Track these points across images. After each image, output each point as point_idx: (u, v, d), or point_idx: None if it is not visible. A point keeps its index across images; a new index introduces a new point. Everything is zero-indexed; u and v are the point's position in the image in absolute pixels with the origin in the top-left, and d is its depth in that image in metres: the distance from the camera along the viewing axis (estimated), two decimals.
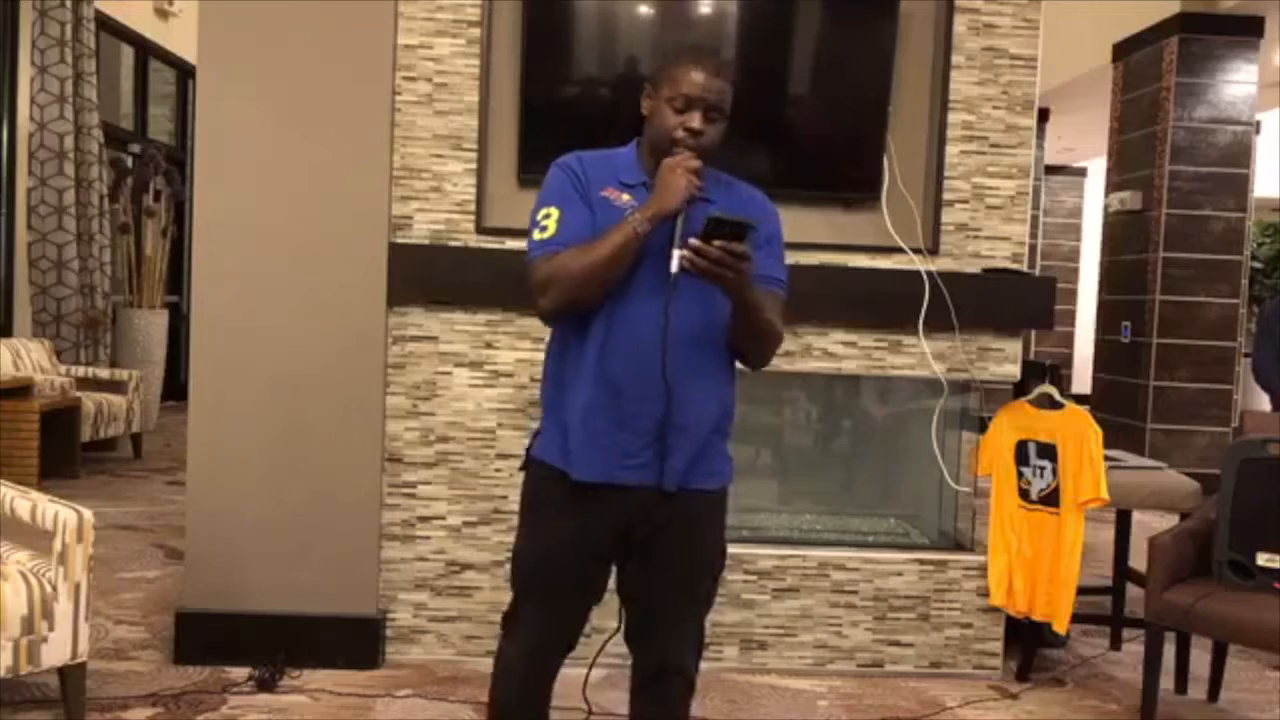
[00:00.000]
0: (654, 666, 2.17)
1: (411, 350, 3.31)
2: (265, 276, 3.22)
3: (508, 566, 3.35)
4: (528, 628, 2.13)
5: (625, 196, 2.03)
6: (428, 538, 3.34)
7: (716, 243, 1.84)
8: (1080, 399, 4.49)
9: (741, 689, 3.24)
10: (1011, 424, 3.37)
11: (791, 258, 3.30)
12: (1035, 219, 8.53)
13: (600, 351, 2.00)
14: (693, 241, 1.85)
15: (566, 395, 2.05)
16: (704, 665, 3.35)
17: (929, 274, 3.27)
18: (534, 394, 3.32)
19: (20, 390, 5.55)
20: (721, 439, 2.13)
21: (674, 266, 1.89)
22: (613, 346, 1.99)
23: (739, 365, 2.14)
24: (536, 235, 2.02)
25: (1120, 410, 6.95)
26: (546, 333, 3.33)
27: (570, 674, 3.32)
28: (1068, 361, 11.25)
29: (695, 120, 1.99)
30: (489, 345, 3.32)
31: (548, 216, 2.02)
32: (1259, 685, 3.52)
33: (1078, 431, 3.24)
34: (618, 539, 2.07)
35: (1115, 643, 3.78)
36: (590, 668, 2.37)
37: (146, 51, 8.44)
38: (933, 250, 3.38)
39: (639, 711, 2.22)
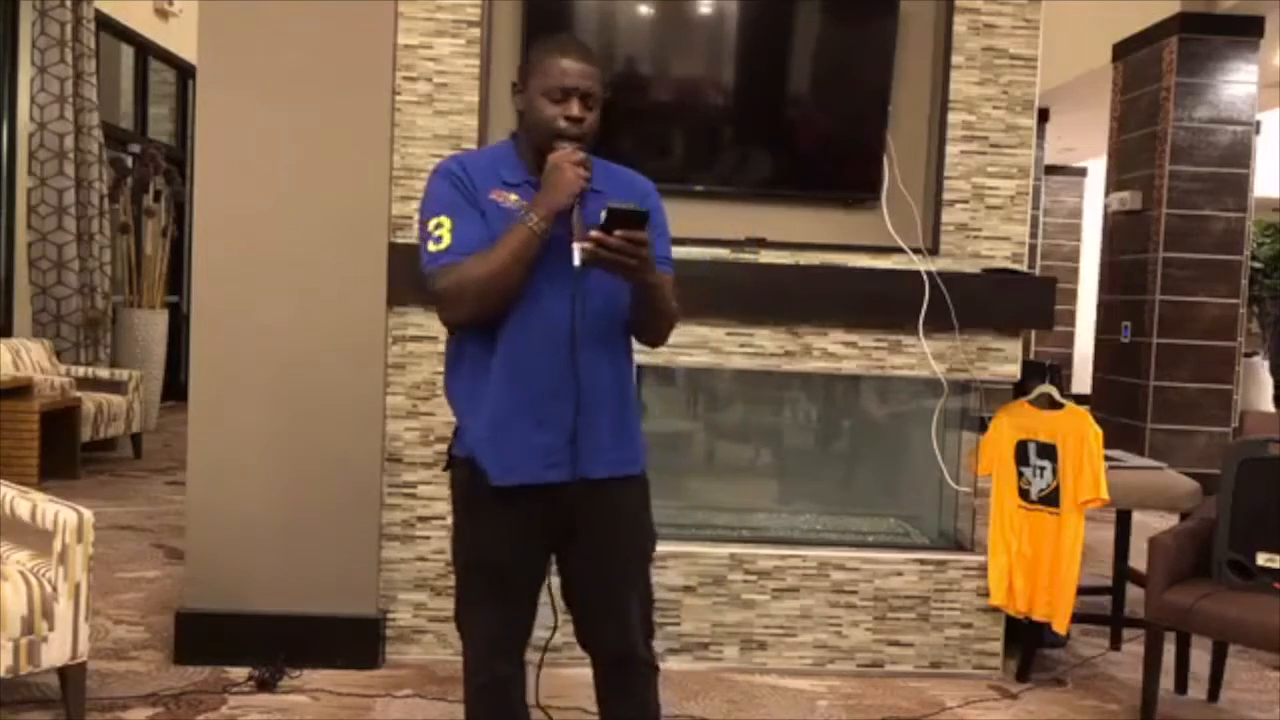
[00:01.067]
0: (611, 659, 2.18)
1: (411, 350, 3.31)
2: (265, 276, 3.22)
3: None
4: (483, 630, 2.12)
5: (512, 197, 2.01)
6: (428, 538, 3.34)
7: (617, 232, 1.83)
8: (1080, 399, 4.49)
9: (741, 689, 3.24)
10: (1011, 424, 3.37)
11: (792, 258, 3.34)
12: (1035, 219, 8.52)
13: (510, 352, 1.98)
14: (594, 234, 1.83)
15: (481, 397, 2.01)
16: (704, 665, 3.37)
17: (929, 274, 3.27)
18: None
19: (20, 390, 5.55)
20: (635, 423, 2.14)
21: (576, 260, 1.89)
22: (522, 346, 1.98)
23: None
24: (431, 247, 1.98)
25: (1120, 410, 6.95)
26: None
27: (571, 674, 3.33)
28: (1068, 361, 11.25)
29: (574, 108, 1.99)
30: None
31: (439, 226, 1.98)
32: (1259, 685, 3.52)
33: (1078, 431, 3.24)
34: (550, 536, 2.06)
35: (1115, 643, 3.78)
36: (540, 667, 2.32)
37: (146, 51, 8.45)
38: (933, 250, 3.38)
39: (609, 709, 2.22)
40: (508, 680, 2.16)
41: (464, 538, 2.12)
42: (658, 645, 3.39)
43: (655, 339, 2.14)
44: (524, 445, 1.99)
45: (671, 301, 2.06)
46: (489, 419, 2.00)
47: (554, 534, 2.06)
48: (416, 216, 2.09)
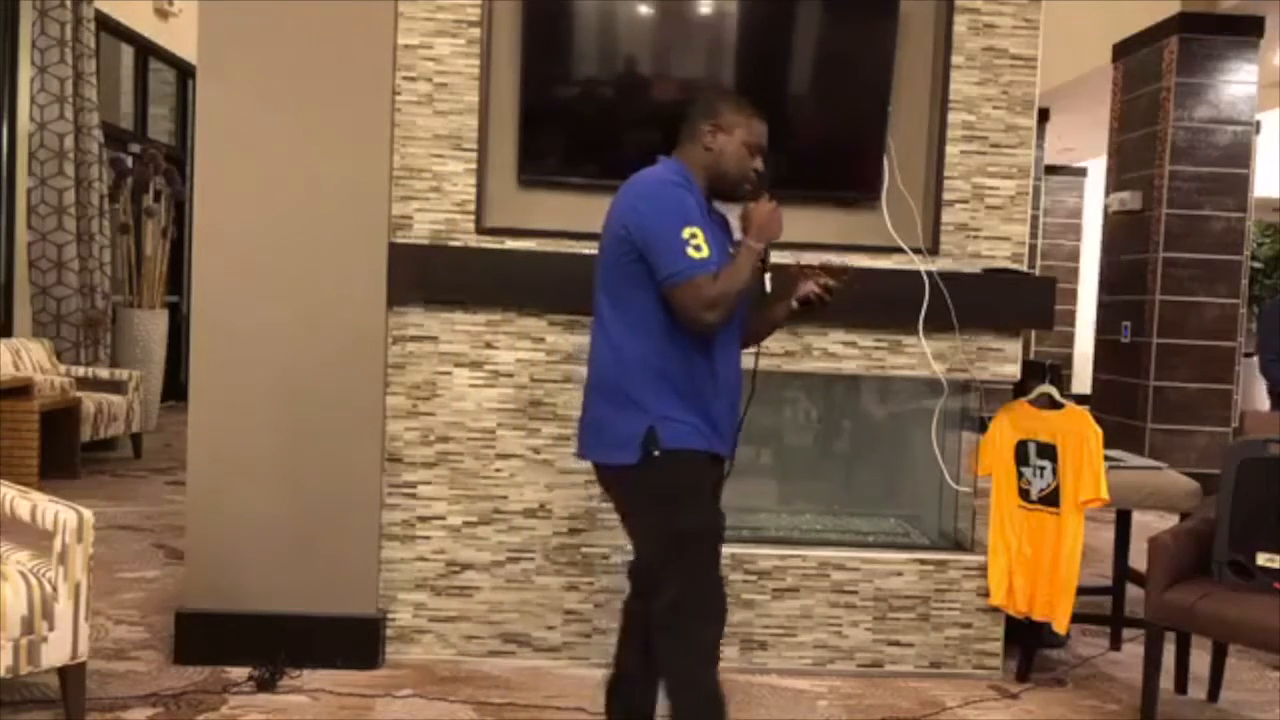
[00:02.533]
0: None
1: (411, 350, 3.31)
2: (265, 276, 3.22)
3: (509, 566, 3.37)
4: (719, 598, 2.38)
5: (707, 216, 2.38)
6: (428, 538, 3.34)
7: (832, 283, 2.47)
8: (1080, 399, 4.49)
9: (741, 689, 3.24)
10: (1011, 424, 3.37)
11: (792, 257, 3.33)
12: (1035, 219, 8.52)
13: (723, 356, 2.38)
14: (832, 284, 2.48)
15: (705, 395, 2.34)
16: None
17: (929, 274, 3.27)
18: (534, 394, 3.33)
19: (20, 390, 5.55)
20: None
21: (768, 288, 2.38)
22: (730, 352, 2.41)
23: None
24: (693, 254, 2.23)
25: (1120, 410, 6.95)
26: (547, 333, 3.37)
27: (574, 674, 3.33)
28: (1068, 361, 11.26)
29: (760, 164, 2.43)
30: (489, 345, 3.32)
31: (695, 236, 2.24)
32: (1259, 685, 3.52)
33: (1078, 431, 3.24)
34: None
35: (1115, 643, 3.78)
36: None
37: (146, 51, 8.44)
38: (933, 250, 3.38)
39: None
40: None
41: (694, 513, 2.34)
42: None
43: (753, 343, 2.60)
44: (725, 430, 2.39)
45: None
46: (707, 411, 2.34)
47: None
48: (645, 219, 2.29)
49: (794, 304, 2.51)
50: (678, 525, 2.32)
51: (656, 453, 2.28)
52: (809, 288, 2.48)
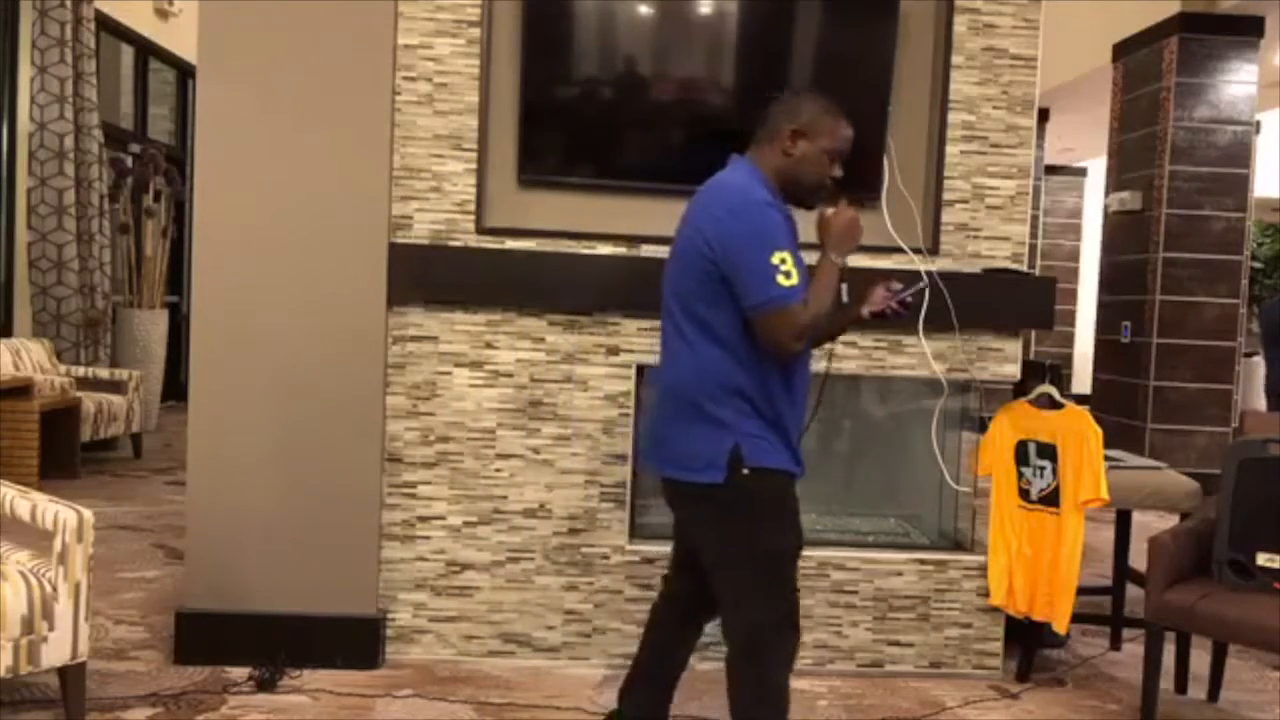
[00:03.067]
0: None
1: (411, 350, 3.31)
2: (265, 276, 3.22)
3: (509, 566, 3.37)
4: (798, 609, 2.40)
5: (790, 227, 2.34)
6: (428, 538, 3.34)
7: (909, 298, 2.55)
8: (1080, 399, 4.49)
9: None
10: (1011, 424, 3.37)
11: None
12: (1035, 219, 8.52)
13: (801, 372, 2.36)
14: (908, 299, 2.56)
15: (781, 412, 2.32)
16: (704, 665, 3.37)
17: (929, 274, 3.27)
18: (534, 393, 3.33)
19: (20, 390, 5.55)
20: None
21: (845, 297, 2.40)
22: (803, 371, 2.38)
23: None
24: (783, 281, 2.17)
25: (1120, 410, 6.95)
26: (547, 333, 3.37)
27: (574, 674, 3.33)
28: (1068, 361, 11.25)
29: (839, 172, 2.38)
30: (489, 345, 3.32)
31: (784, 262, 2.18)
32: (1259, 685, 3.52)
33: (1078, 431, 3.23)
34: None
35: (1115, 643, 3.78)
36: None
37: (146, 51, 8.44)
38: (933, 250, 3.38)
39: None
40: None
41: (781, 532, 2.37)
42: None
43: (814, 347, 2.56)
44: (797, 446, 2.38)
45: None
46: (784, 429, 2.33)
47: None
48: (730, 240, 2.23)
49: (865, 314, 2.53)
50: (766, 545, 2.31)
51: (745, 471, 2.25)
52: (887, 303, 2.52)
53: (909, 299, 2.56)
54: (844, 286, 2.39)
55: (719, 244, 2.21)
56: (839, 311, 2.46)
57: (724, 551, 2.34)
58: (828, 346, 2.77)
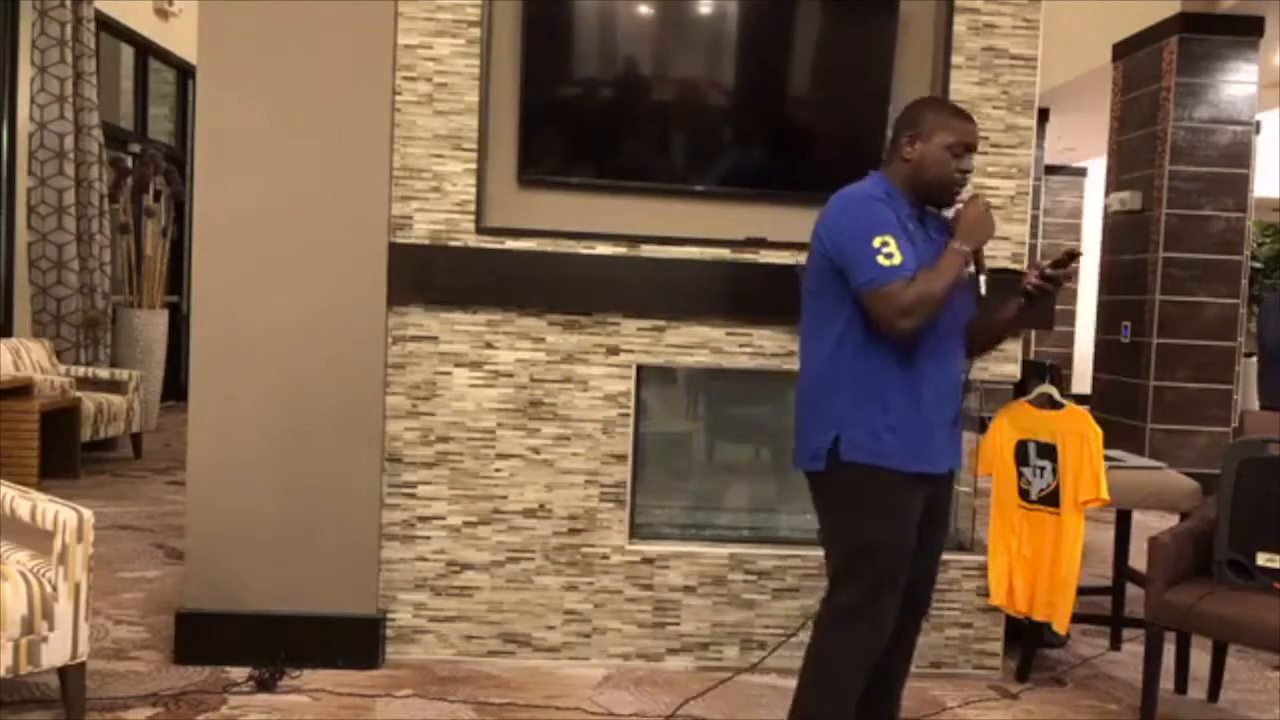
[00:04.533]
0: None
1: (411, 350, 3.31)
2: (265, 276, 3.22)
3: (509, 566, 3.38)
4: (883, 610, 2.41)
5: (911, 226, 2.37)
6: (428, 538, 3.34)
7: (1042, 276, 2.43)
8: (1080, 399, 4.48)
9: (741, 689, 3.24)
10: (1011, 424, 3.37)
11: (792, 257, 3.33)
12: (1035, 219, 8.53)
13: (931, 369, 2.37)
14: (1055, 273, 2.45)
15: (903, 408, 2.35)
16: (704, 665, 3.37)
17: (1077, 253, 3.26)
18: (534, 393, 3.33)
19: (20, 390, 5.55)
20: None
21: (983, 289, 2.35)
22: (937, 365, 2.40)
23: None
24: (884, 262, 2.26)
25: (1120, 410, 6.95)
26: (547, 333, 3.37)
27: (574, 674, 3.33)
28: (1068, 361, 11.25)
29: (969, 164, 2.40)
30: (489, 345, 3.32)
31: (886, 244, 2.27)
32: (1259, 685, 3.52)
33: (1078, 431, 3.23)
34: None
35: (1115, 643, 3.78)
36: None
37: (146, 51, 8.44)
38: None
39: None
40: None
41: (873, 526, 2.40)
42: (658, 644, 3.40)
43: (979, 353, 2.66)
44: (936, 444, 2.40)
45: None
46: (908, 424, 2.35)
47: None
48: (837, 233, 2.36)
49: (1021, 299, 2.51)
50: (855, 537, 2.40)
51: (844, 462, 2.35)
52: (1031, 279, 2.48)
53: (1049, 271, 2.48)
54: (982, 279, 2.37)
55: (829, 238, 2.36)
56: (996, 310, 2.52)
57: (825, 536, 2.50)
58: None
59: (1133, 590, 3.62)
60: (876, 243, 2.27)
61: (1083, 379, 9.60)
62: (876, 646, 2.41)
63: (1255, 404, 7.54)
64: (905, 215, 2.38)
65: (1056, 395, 3.37)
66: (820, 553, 3.39)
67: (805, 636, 3.37)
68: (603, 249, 3.29)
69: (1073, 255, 2.45)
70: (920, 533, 2.44)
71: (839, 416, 2.36)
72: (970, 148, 2.41)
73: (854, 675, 2.41)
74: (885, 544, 2.38)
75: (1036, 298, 2.49)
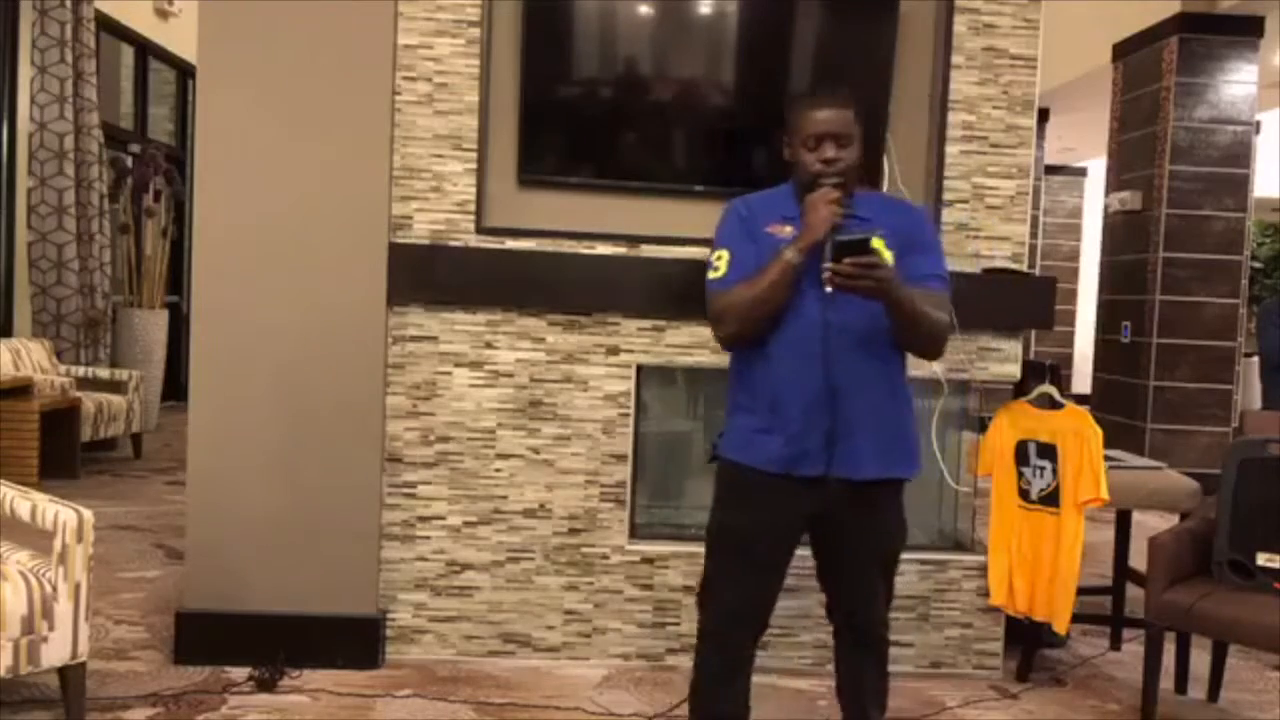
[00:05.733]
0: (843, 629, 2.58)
1: (411, 350, 3.31)
2: (265, 276, 3.22)
3: (509, 566, 3.38)
4: (723, 600, 2.48)
5: (788, 229, 2.30)
6: (428, 538, 3.34)
7: (846, 260, 2.11)
8: (1080, 399, 4.49)
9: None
10: (1011, 424, 3.37)
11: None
12: (1035, 219, 8.52)
13: (775, 365, 2.30)
14: (826, 265, 2.14)
15: (764, 407, 2.33)
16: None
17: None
18: (534, 393, 3.33)
19: (20, 390, 5.55)
20: (905, 428, 2.41)
21: (827, 287, 2.16)
22: (784, 360, 2.29)
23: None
24: (710, 274, 2.36)
25: (1120, 410, 6.95)
26: (547, 333, 3.38)
27: (574, 674, 3.33)
28: (1068, 361, 11.25)
29: (828, 152, 2.30)
30: (489, 345, 3.32)
31: (719, 258, 2.35)
32: (1259, 685, 3.52)
33: (1078, 431, 3.23)
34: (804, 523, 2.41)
35: (1115, 643, 3.78)
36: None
37: (146, 51, 8.44)
38: None
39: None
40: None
41: (720, 514, 2.45)
42: (658, 644, 3.40)
43: (918, 351, 2.41)
44: (804, 445, 2.28)
45: (929, 313, 2.27)
46: (770, 424, 2.31)
47: (804, 522, 2.40)
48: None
49: (827, 290, 2.19)
50: (709, 524, 2.47)
51: (718, 455, 2.43)
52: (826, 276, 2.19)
53: (835, 267, 2.13)
54: (827, 275, 2.13)
55: None
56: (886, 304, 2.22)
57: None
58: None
59: (1133, 590, 3.62)
60: (714, 256, 2.37)
61: (1083, 379, 9.60)
62: (711, 627, 2.45)
63: (1255, 404, 7.55)
64: (790, 214, 2.31)
65: (1056, 395, 3.37)
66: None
67: (805, 636, 3.39)
68: (603, 249, 3.29)
69: (864, 244, 2.13)
70: (833, 544, 2.43)
71: (729, 417, 2.45)
72: (822, 137, 2.28)
73: (703, 657, 2.47)
74: (727, 529, 2.42)
75: (852, 289, 2.15)
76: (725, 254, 2.35)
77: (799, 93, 2.48)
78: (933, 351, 2.43)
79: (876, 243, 2.18)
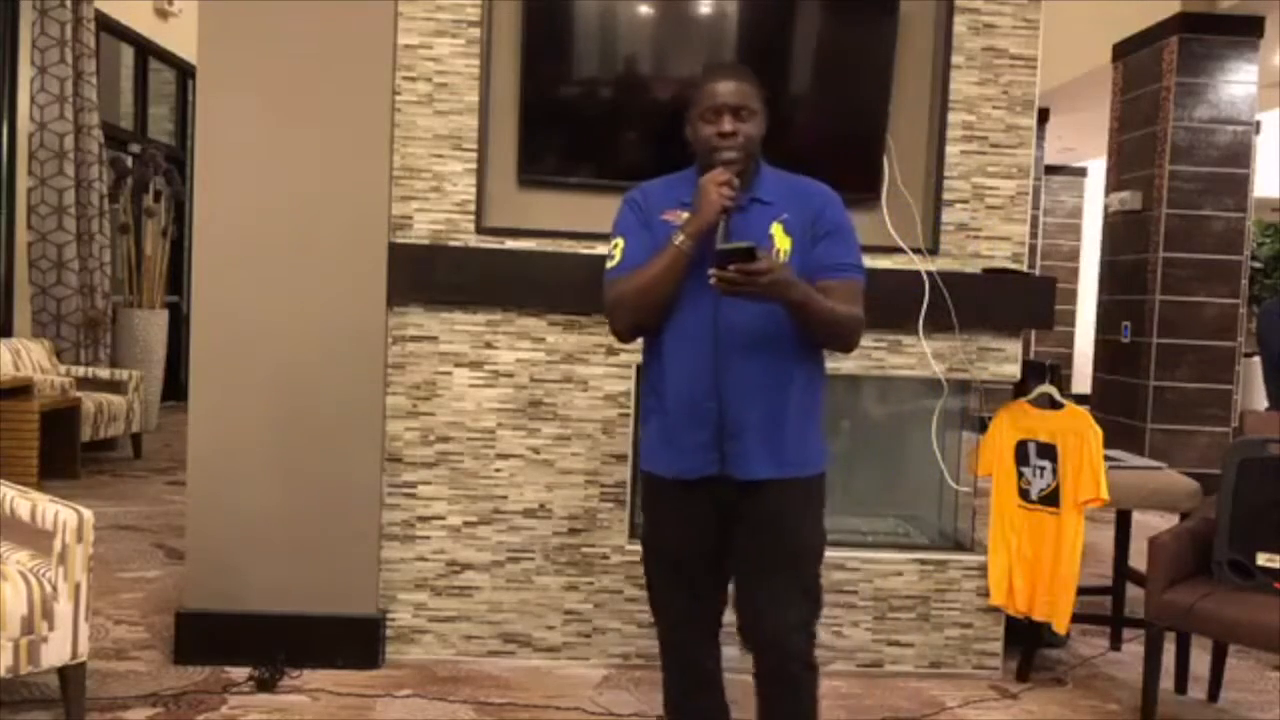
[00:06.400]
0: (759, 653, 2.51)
1: (411, 350, 3.31)
2: (265, 276, 3.22)
3: (509, 566, 3.38)
4: (659, 611, 2.47)
5: (684, 215, 2.17)
6: (428, 538, 3.34)
7: (732, 267, 1.97)
8: (1080, 399, 4.49)
9: (741, 689, 3.23)
10: (1011, 424, 3.37)
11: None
12: (1035, 219, 8.52)
13: (667, 359, 2.21)
14: (711, 271, 1.99)
15: (660, 411, 2.26)
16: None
17: (929, 274, 3.27)
18: (534, 393, 3.33)
19: (20, 390, 5.55)
20: (803, 426, 2.24)
21: (713, 283, 2.01)
22: (675, 353, 2.20)
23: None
24: (607, 264, 2.25)
25: (1120, 410, 6.95)
26: (547, 333, 3.38)
27: (574, 674, 3.33)
28: (1068, 361, 11.25)
29: (725, 124, 2.15)
30: (489, 345, 3.32)
31: (615, 247, 2.25)
32: (1259, 685, 3.52)
33: (1078, 431, 3.24)
34: (712, 526, 2.28)
35: (1115, 643, 3.78)
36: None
37: (146, 51, 8.44)
38: (933, 250, 3.38)
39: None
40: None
41: (645, 525, 2.42)
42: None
43: (832, 344, 2.29)
44: (683, 446, 2.21)
45: (834, 308, 2.16)
46: (661, 429, 2.25)
47: (716, 525, 2.27)
48: None
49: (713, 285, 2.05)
50: (641, 533, 2.45)
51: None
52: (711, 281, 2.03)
53: (718, 273, 1.99)
54: (713, 271, 1.98)
55: None
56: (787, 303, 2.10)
57: None
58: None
59: (1133, 590, 3.62)
60: (611, 246, 2.27)
61: (1083, 379, 9.59)
62: (662, 635, 2.46)
63: (1255, 404, 7.55)
64: (688, 199, 2.17)
65: (1056, 395, 3.37)
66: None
67: None
68: (603, 249, 3.28)
69: (747, 253, 1.97)
70: (738, 548, 2.27)
71: (640, 419, 2.42)
72: (720, 109, 2.15)
73: (664, 658, 2.48)
74: (647, 544, 2.41)
75: (736, 295, 2.02)
76: (620, 242, 2.24)
77: (705, 65, 2.36)
78: (841, 346, 2.30)
79: (775, 228, 2.15)
